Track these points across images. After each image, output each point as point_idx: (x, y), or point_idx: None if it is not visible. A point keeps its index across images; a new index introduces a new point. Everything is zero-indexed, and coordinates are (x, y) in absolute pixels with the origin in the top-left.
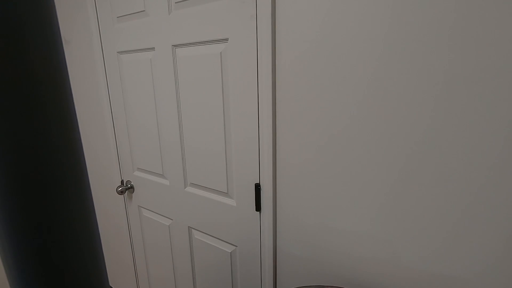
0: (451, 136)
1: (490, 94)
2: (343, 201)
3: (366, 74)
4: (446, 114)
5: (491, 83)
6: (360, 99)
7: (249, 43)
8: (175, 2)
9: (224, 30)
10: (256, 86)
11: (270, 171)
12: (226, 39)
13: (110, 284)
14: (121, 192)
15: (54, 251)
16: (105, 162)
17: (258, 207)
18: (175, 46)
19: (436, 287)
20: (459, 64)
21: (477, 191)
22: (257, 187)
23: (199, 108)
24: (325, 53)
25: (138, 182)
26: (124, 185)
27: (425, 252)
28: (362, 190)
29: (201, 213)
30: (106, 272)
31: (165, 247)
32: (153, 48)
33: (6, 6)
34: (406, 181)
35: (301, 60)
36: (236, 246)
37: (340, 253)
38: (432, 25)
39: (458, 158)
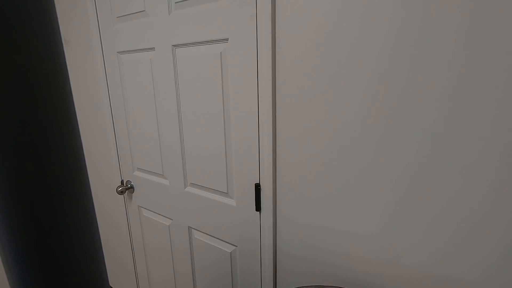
0: (452, 137)
1: (494, 94)
2: (343, 201)
3: (367, 73)
4: (448, 116)
5: (495, 82)
6: (361, 99)
7: (249, 43)
8: (175, 2)
9: (224, 30)
10: (256, 86)
11: (270, 171)
12: (226, 39)
13: (110, 284)
14: (121, 192)
15: (54, 251)
16: (105, 162)
17: (258, 207)
18: (175, 46)
19: None
20: (463, 63)
21: (479, 193)
22: (257, 187)
23: (199, 108)
24: (325, 52)
25: (138, 182)
26: (124, 185)
27: (426, 253)
28: (363, 190)
29: (201, 213)
30: (106, 272)
31: (165, 247)
32: (153, 48)
33: (6, 6)
34: (408, 181)
35: (301, 59)
36: (236, 246)
37: (340, 253)
38: (437, 23)
39: (459, 160)
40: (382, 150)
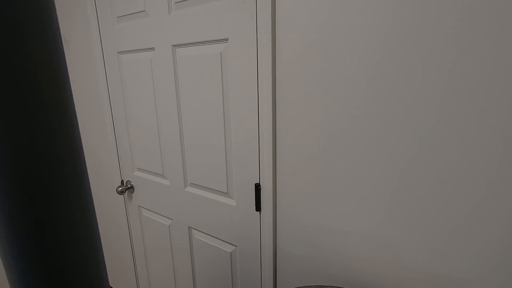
0: (452, 137)
1: (493, 94)
2: (343, 201)
3: (366, 73)
4: (448, 116)
5: (494, 83)
6: (360, 99)
7: (249, 43)
8: (175, 2)
9: (224, 30)
10: (256, 86)
11: (270, 171)
12: (226, 39)
13: (110, 284)
14: (121, 192)
15: (54, 251)
16: (105, 162)
17: (258, 207)
18: (175, 46)
19: None
20: (462, 63)
21: (478, 193)
22: (257, 187)
23: (199, 108)
24: (325, 53)
25: (138, 182)
26: (124, 185)
27: (425, 252)
28: (363, 190)
29: (201, 213)
30: (106, 272)
31: (165, 247)
32: (153, 48)
33: (6, 6)
34: (407, 181)
35: (301, 59)
36: (236, 246)
37: (340, 253)
38: (436, 23)
39: (459, 160)
40: (382, 150)
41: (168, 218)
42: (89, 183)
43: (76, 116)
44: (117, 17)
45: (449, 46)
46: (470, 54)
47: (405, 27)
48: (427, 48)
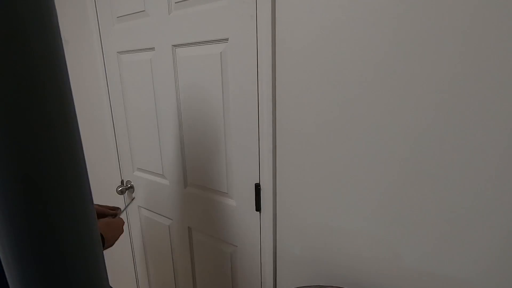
0: (452, 135)
1: (491, 94)
2: (343, 201)
3: (366, 74)
4: (447, 113)
5: (493, 84)
6: (360, 99)
7: (249, 43)
8: (175, 2)
9: (224, 30)
10: (256, 86)
11: (270, 171)
12: (226, 39)
13: (110, 284)
14: (121, 192)
15: (55, 251)
16: (105, 162)
17: (258, 207)
18: (175, 46)
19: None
20: (463, 63)
21: (477, 191)
22: (257, 187)
23: (199, 108)
24: (325, 54)
25: (138, 182)
26: (124, 185)
27: (425, 252)
28: (363, 190)
29: (201, 213)
30: (106, 272)
31: (165, 247)
32: (153, 48)
33: (6, 6)
34: (408, 181)
35: (301, 60)
36: (236, 246)
37: (340, 253)
38: (435, 25)
39: (458, 158)
40: (381, 149)
41: (168, 218)
42: (89, 182)
43: (76, 116)
44: (117, 17)
45: (452, 46)
46: (472, 56)
47: (406, 26)
48: (427, 49)
